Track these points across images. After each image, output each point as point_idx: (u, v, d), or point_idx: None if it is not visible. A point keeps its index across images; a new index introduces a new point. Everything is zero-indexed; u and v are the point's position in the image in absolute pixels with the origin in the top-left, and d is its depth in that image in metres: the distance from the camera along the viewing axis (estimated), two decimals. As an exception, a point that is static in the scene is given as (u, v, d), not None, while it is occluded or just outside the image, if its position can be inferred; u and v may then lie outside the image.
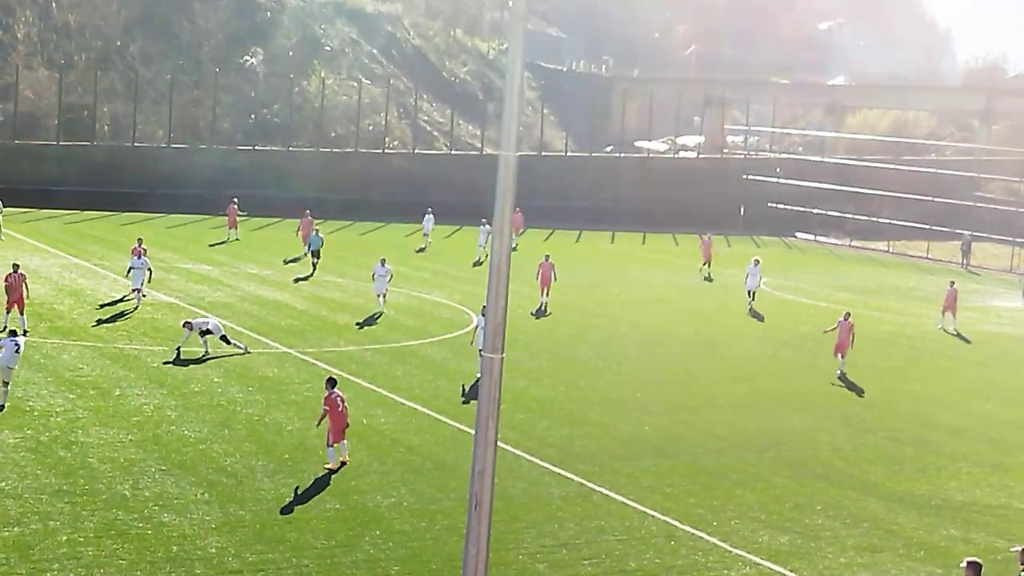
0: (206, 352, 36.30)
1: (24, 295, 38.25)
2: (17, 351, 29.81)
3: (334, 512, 24.20)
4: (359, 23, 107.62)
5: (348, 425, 27.21)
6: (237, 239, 64.25)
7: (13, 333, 31.09)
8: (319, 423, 27.37)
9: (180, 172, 78.92)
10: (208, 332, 36.46)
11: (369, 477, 26.51)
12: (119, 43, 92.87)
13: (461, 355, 38.50)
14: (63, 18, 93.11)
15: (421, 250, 65.70)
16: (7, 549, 21.20)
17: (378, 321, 44.00)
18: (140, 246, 45.79)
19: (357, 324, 43.39)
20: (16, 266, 38.94)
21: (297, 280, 52.08)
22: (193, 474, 25.82)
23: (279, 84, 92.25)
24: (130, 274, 43.74)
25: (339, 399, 27.07)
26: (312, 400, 32.46)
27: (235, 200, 65.83)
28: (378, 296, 45.77)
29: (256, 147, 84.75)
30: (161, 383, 33.26)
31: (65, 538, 21.87)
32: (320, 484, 25.75)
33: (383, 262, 46.05)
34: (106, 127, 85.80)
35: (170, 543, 21.99)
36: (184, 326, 36.39)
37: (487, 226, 62.34)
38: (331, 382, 27.55)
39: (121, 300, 44.30)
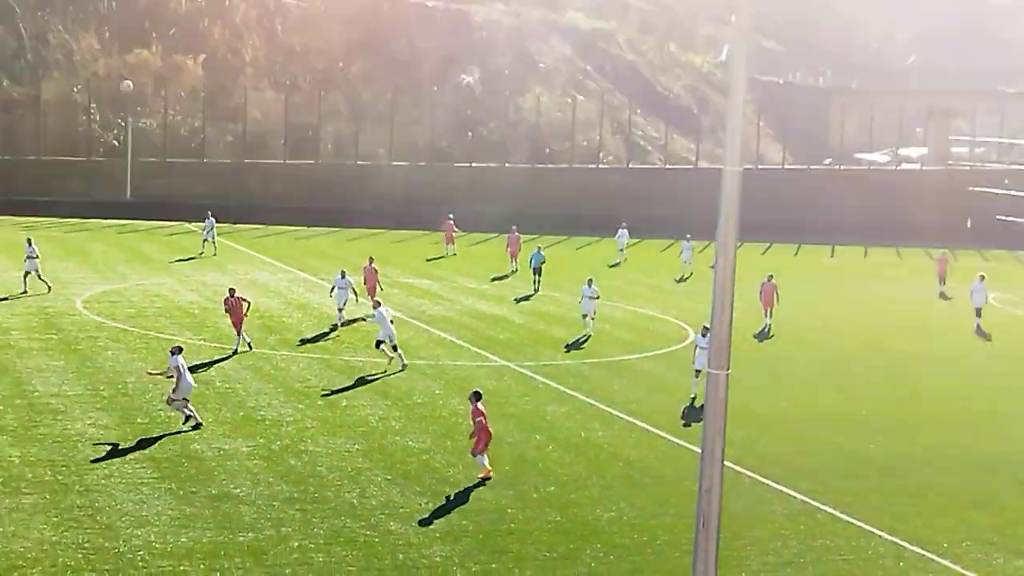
0: (391, 360, 37.09)
1: (243, 315, 38.25)
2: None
3: (554, 524, 24.30)
4: (573, 40, 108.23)
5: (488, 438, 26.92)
6: (454, 254, 65.30)
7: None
8: (473, 435, 26.96)
9: (400, 189, 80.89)
10: (381, 342, 37.01)
11: (588, 490, 26.54)
12: (341, 64, 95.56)
13: (677, 370, 38.25)
14: (288, 41, 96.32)
15: (615, 265, 65.29)
16: (243, 554, 21.97)
17: (588, 341, 44.00)
18: (371, 264, 46.95)
19: (569, 341, 43.50)
20: (232, 290, 38.85)
21: (518, 300, 52.31)
22: (417, 484, 26.30)
23: (495, 102, 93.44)
24: (333, 293, 43.51)
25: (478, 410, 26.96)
26: (530, 413, 32.74)
27: (451, 216, 66.94)
28: (584, 317, 44.53)
29: (473, 164, 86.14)
30: (385, 394, 34.00)
31: (296, 544, 22.53)
32: (540, 496, 25.90)
33: (590, 282, 44.71)
34: (329, 146, 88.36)
35: (396, 551, 22.43)
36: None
37: (690, 241, 61.86)
38: (476, 395, 27.32)
39: (357, 320, 45.40)
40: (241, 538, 22.70)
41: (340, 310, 43.02)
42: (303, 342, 40.38)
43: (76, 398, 31.64)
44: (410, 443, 29.39)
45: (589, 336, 43.95)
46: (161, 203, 75.48)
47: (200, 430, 29.21)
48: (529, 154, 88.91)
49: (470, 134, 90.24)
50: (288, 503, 24.65)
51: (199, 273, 53.54)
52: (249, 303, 38.73)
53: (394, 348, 36.96)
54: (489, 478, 26.55)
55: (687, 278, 60.65)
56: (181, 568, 21.20)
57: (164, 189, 78.92)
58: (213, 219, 59.97)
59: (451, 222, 66.24)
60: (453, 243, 66.05)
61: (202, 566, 21.32)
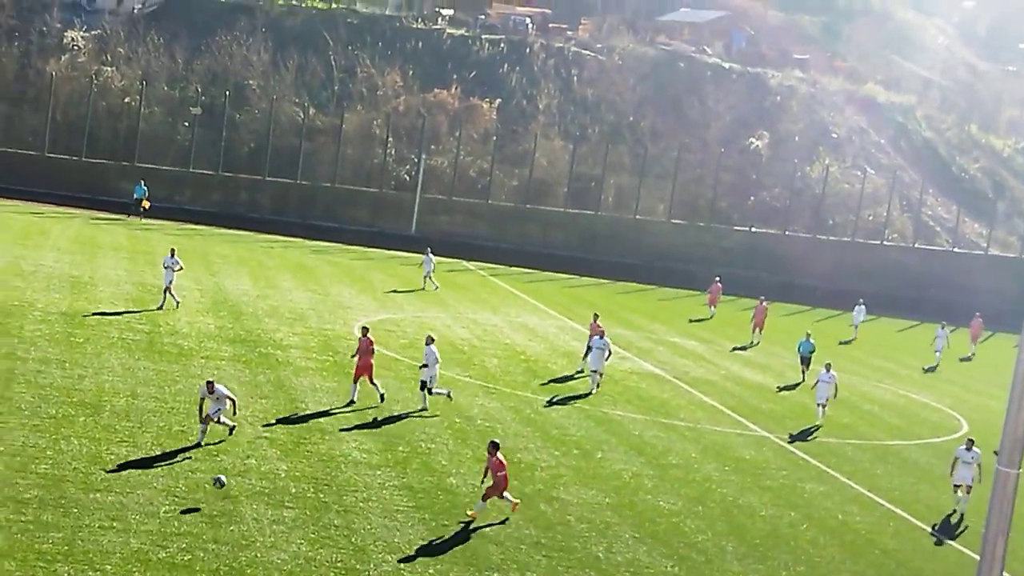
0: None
1: (370, 361, 34.79)
2: None
3: (802, 606, 23.68)
4: (869, 112, 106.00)
5: (506, 487, 26.57)
6: (710, 317, 64.29)
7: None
8: (483, 479, 26.88)
9: (675, 247, 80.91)
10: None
11: (841, 575, 25.76)
12: (631, 119, 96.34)
13: (947, 461, 36.73)
14: (582, 92, 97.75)
15: (846, 342, 62.87)
16: (486, 592, 22.25)
17: (859, 418, 42.80)
18: (595, 320, 44.58)
19: (796, 431, 42.40)
20: (365, 329, 35.73)
21: (782, 388, 51.45)
22: (665, 545, 26.10)
23: (781, 168, 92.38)
24: (587, 358, 41.98)
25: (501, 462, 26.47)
26: (787, 488, 32.05)
27: (718, 279, 66.30)
28: (818, 405, 40.88)
29: (752, 228, 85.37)
30: (640, 451, 33.90)
31: (539, 590, 22.68)
32: (789, 574, 25.27)
33: (828, 367, 41.24)
34: (610, 198, 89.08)
35: (637, 611, 22.30)
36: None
37: (944, 329, 59.24)
38: (495, 445, 26.70)
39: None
40: (485, 578, 23.00)
41: (595, 372, 40.86)
42: (564, 389, 40.68)
43: (344, 420, 32.74)
44: (661, 503, 29.19)
45: (819, 427, 40.52)
46: (444, 239, 77.55)
47: (458, 466, 29.77)
48: (811, 223, 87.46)
49: (752, 198, 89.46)
50: (535, 548, 24.83)
51: (472, 311, 54.72)
52: (374, 351, 35.07)
53: (427, 390, 35.06)
54: (472, 519, 26.09)
55: (935, 368, 57.99)
56: (428, 599, 21.62)
57: (447, 226, 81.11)
58: (432, 255, 60.77)
59: (719, 285, 65.61)
60: (715, 305, 65.31)
61: (445, 600, 21.69)
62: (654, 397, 41.32)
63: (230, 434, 29.03)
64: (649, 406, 39.80)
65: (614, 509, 28.21)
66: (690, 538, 26.89)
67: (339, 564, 22.56)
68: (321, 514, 25.06)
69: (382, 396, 34.81)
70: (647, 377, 44.90)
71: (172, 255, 45.17)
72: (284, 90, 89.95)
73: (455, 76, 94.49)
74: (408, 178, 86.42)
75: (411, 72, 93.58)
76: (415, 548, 23.93)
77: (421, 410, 34.47)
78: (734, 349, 55.01)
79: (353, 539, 23.94)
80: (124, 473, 25.78)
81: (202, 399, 28.66)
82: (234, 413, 29.44)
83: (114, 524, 22.85)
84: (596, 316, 45.50)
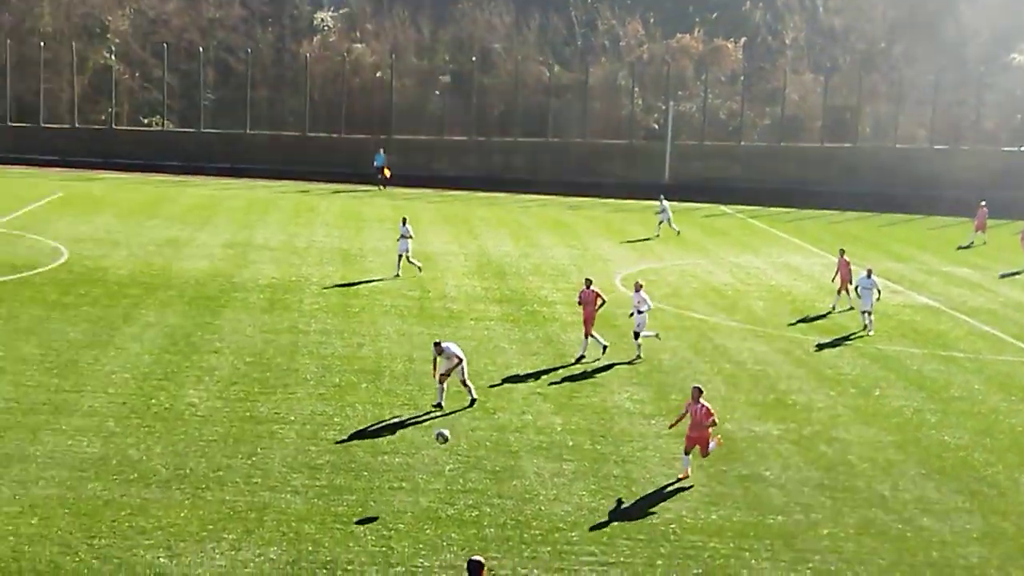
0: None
1: (595, 312, 34.41)
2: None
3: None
4: None
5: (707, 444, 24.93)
6: (984, 243, 61.71)
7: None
8: (672, 425, 25.98)
9: (939, 173, 77.89)
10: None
11: None
12: (883, 45, 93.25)
13: None
14: (829, 22, 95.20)
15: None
16: (772, 536, 22.09)
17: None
18: (843, 256, 42.80)
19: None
20: (588, 281, 35.36)
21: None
22: (953, 480, 25.34)
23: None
24: (858, 291, 39.87)
25: (701, 410, 24.76)
26: (1082, 415, 30.64)
27: (984, 203, 63.32)
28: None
29: (1022, 148, 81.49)
30: (920, 386, 32.94)
31: (826, 531, 22.36)
32: (1091, 505, 24.18)
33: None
34: (868, 128, 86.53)
35: (930, 548, 21.75)
36: None
37: None
38: (697, 391, 25.09)
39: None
40: (770, 520, 22.81)
41: (866, 312, 39.38)
42: (834, 328, 39.84)
43: (614, 372, 32.94)
44: (947, 438, 28.33)
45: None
46: (697, 185, 76.95)
47: (731, 411, 29.58)
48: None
49: (1019, 116, 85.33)
50: (818, 489, 24.49)
51: (733, 255, 54.14)
52: (604, 300, 34.74)
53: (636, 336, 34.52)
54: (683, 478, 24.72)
55: None
56: (711, 544, 21.62)
57: (700, 172, 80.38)
58: (667, 202, 59.90)
59: (985, 209, 62.75)
60: (984, 231, 62.52)
61: (731, 544, 21.63)
62: (930, 330, 40.07)
63: (470, 405, 28.87)
64: (925, 339, 38.61)
65: (897, 446, 27.53)
66: (980, 472, 26.02)
67: (622, 513, 22.77)
68: (600, 465, 25.31)
69: (604, 348, 34.32)
70: (921, 310, 43.54)
71: (404, 223, 45.90)
72: (528, 50, 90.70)
73: (697, 19, 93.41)
74: (657, 127, 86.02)
75: (652, 20, 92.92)
76: (695, 495, 23.92)
77: (636, 359, 34.16)
78: (1003, 275, 52.63)
79: (633, 488, 24.10)
80: (408, 435, 26.63)
81: (435, 359, 29.09)
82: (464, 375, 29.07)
83: (403, 484, 23.65)
84: (843, 252, 43.59)
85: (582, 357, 33.98)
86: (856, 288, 40.18)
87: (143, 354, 31.87)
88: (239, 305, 38.73)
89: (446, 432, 24.53)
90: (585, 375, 32.42)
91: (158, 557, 19.87)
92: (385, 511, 22.27)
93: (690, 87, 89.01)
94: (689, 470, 24.66)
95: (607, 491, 23.82)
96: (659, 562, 20.81)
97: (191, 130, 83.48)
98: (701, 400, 24.73)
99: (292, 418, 27.36)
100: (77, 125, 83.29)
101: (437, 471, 24.47)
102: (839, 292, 42.51)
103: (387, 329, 36.42)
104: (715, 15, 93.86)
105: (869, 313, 39.29)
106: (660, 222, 59.42)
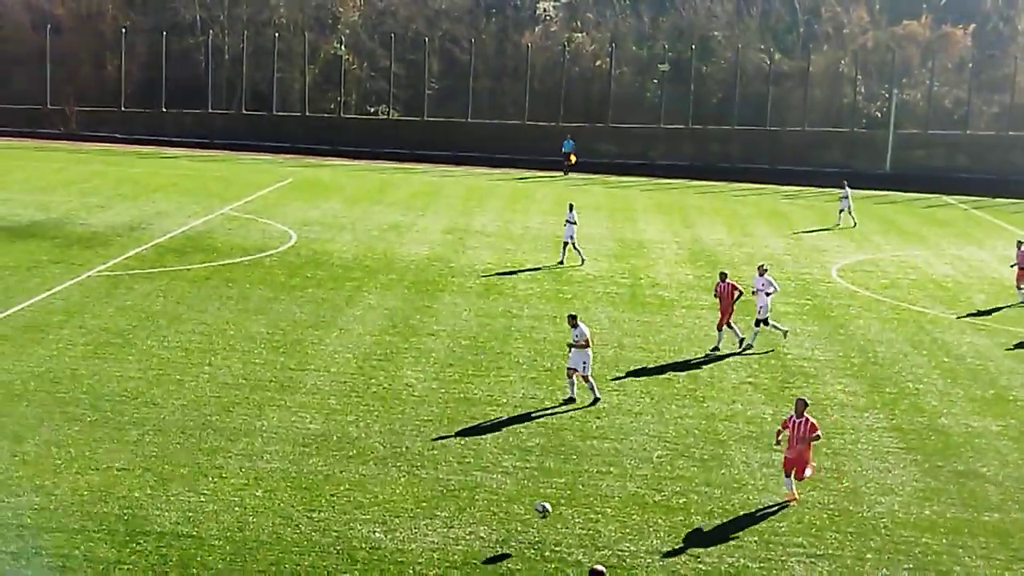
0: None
1: (732, 304, 33.62)
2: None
3: None
4: None
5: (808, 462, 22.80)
6: None
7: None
8: (777, 441, 23.58)
9: None
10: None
11: None
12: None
13: None
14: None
15: None
16: (987, 534, 21.65)
17: None
18: (1021, 248, 41.27)
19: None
20: (724, 274, 34.25)
21: None
22: None
23: None
24: None
25: (805, 425, 22.70)
26: None
27: None
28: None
29: None
30: None
31: (1045, 531, 21.82)
32: None
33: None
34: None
35: None
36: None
37: None
38: (802, 403, 22.97)
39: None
40: (986, 518, 22.35)
41: None
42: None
43: (827, 363, 32.59)
44: None
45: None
46: (920, 175, 74.99)
47: (949, 406, 28.98)
48: None
49: None
50: (1037, 489, 23.85)
51: (955, 247, 52.68)
52: (740, 292, 33.64)
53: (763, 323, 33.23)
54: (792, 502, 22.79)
55: None
56: (923, 540, 21.32)
57: (924, 161, 78.28)
58: (848, 189, 57.96)
59: None
60: None
61: (944, 541, 21.30)
62: None
63: (592, 404, 28.03)
64: None
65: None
66: None
67: (831, 506, 22.63)
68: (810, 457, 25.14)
69: (741, 341, 33.46)
70: None
71: (571, 210, 45.68)
72: (749, 38, 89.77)
73: (924, 5, 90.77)
74: (879, 115, 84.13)
75: (877, 6, 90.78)
76: (908, 490, 23.59)
77: (745, 346, 33.52)
78: None
79: (844, 481, 23.90)
80: (617, 421, 26.95)
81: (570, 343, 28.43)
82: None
83: (611, 469, 23.99)
84: (1020, 244, 42.00)
85: (716, 349, 33.35)
86: None
87: (364, 335, 33.01)
88: (456, 290, 39.68)
89: (547, 506, 21.00)
90: (798, 366, 32.16)
91: (374, 532, 20.69)
92: (593, 495, 22.65)
93: (915, 74, 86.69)
94: (795, 491, 22.91)
95: (816, 483, 23.67)
96: (868, 556, 20.64)
97: (415, 118, 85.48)
98: (805, 414, 22.80)
99: (504, 400, 28.00)
100: (307, 113, 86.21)
101: (645, 457, 24.73)
102: (1019, 286, 41.18)
103: (599, 315, 36.80)
104: (943, 1, 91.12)
105: None
106: (841, 209, 57.97)
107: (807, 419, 22.72)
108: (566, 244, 45.45)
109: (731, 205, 63.64)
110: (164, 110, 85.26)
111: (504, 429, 26.04)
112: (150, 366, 29.39)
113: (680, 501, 22.56)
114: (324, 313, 35.51)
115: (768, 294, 34.12)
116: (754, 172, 76.38)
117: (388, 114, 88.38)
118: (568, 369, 28.56)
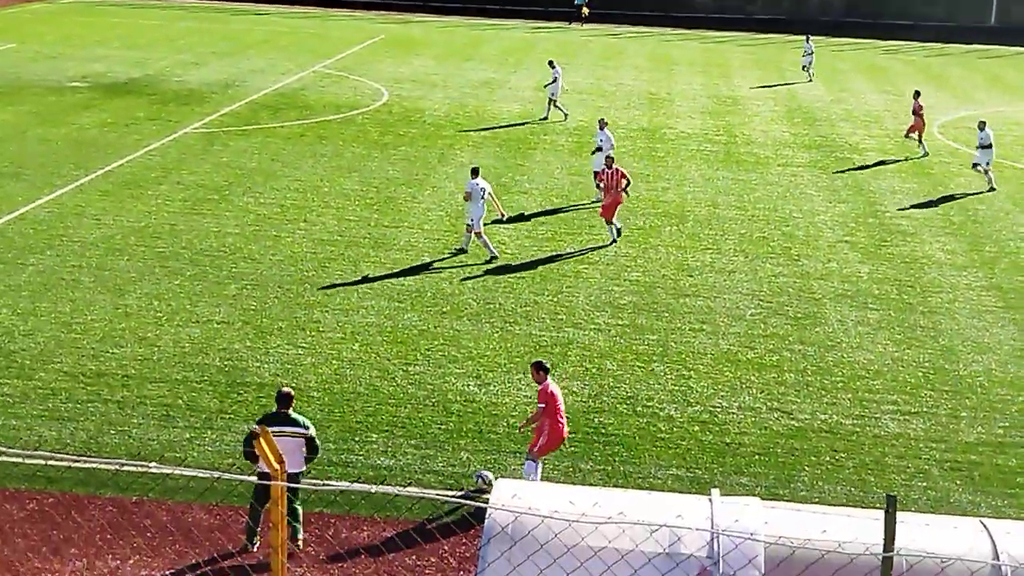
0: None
1: (620, 196, 29.25)
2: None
3: None
4: None
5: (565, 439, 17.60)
6: None
7: None
8: (523, 427, 18.37)
9: None
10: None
11: None
12: None
13: None
14: None
15: None
16: (1085, 393, 21.41)
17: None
18: None
19: None
20: (610, 159, 30.16)
21: None
22: None
23: None
24: None
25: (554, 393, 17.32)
26: None
27: None
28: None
29: None
30: None
31: None
32: None
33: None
34: None
35: None
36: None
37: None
38: (540, 366, 17.51)
39: None
40: (1084, 378, 22.09)
41: None
42: None
43: (926, 221, 32.10)
44: None
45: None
46: (1027, 28, 72.79)
47: (1050, 265, 28.48)
48: None
49: None
50: None
51: (1062, 103, 51.24)
52: (629, 180, 29.74)
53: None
54: None
55: None
56: (1020, 399, 21.16)
57: (1031, 13, 75.80)
58: (812, 44, 55.70)
59: None
60: None
61: (1040, 400, 21.12)
62: None
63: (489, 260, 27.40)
64: None
65: None
66: None
67: (926, 364, 22.48)
68: (906, 315, 24.94)
69: (615, 239, 29.20)
70: None
71: (552, 66, 44.39)
72: None
73: None
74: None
75: None
76: (1006, 348, 23.34)
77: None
78: None
79: (940, 340, 23.70)
80: (710, 279, 26.86)
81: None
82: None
83: (703, 327, 23.99)
84: None
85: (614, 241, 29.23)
86: None
87: (456, 193, 33.04)
88: (548, 148, 39.48)
89: (488, 475, 17.58)
90: (895, 224, 31.71)
91: (468, 385, 20.97)
92: (685, 351, 22.70)
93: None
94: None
95: (912, 341, 23.51)
96: (963, 414, 20.54)
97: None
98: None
99: (596, 259, 28.00)
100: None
101: (738, 315, 24.68)
102: None
103: (692, 173, 36.46)
104: None
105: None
106: (803, 66, 56.01)
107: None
108: (551, 101, 44.29)
109: (829, 60, 62.18)
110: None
111: (596, 287, 26.09)
112: (247, 222, 29.76)
113: (773, 359, 22.54)
114: (416, 171, 35.57)
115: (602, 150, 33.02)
116: (853, 25, 74.53)
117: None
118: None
